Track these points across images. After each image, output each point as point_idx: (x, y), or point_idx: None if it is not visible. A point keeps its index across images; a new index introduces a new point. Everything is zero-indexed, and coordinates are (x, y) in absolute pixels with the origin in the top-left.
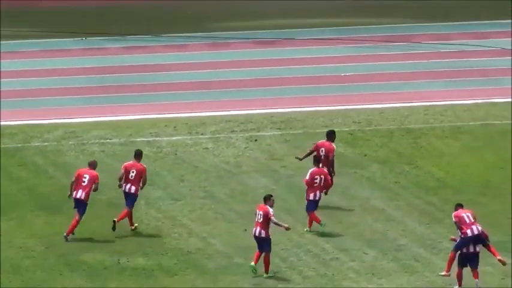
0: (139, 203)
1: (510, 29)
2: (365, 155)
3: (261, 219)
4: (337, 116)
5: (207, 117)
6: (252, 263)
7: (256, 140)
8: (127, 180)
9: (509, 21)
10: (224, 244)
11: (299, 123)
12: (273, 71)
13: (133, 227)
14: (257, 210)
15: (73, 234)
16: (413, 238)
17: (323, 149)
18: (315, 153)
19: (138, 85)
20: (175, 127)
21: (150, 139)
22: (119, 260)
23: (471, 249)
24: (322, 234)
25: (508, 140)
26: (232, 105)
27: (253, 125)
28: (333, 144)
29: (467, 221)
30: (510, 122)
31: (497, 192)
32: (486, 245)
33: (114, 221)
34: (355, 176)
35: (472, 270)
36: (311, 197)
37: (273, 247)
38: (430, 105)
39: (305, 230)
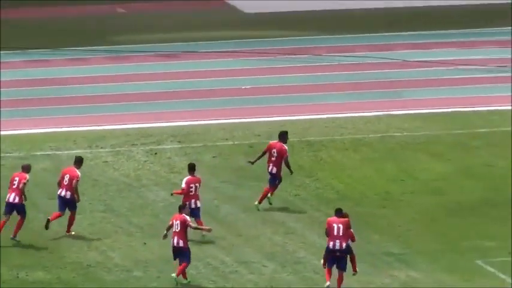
0: (38, 216)
1: (413, 41)
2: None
3: (179, 229)
4: (238, 129)
5: (107, 131)
6: (174, 275)
7: (156, 154)
8: (62, 186)
9: (412, 33)
10: (123, 257)
11: (199, 136)
12: (174, 84)
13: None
14: (173, 221)
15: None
16: (312, 251)
17: (275, 150)
18: (193, 162)
19: (38, 99)
20: (75, 141)
21: (50, 153)
22: (17, 274)
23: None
24: (223, 247)
25: (408, 152)
26: (132, 119)
27: (153, 138)
28: (285, 146)
29: (335, 233)
30: (411, 134)
31: (397, 204)
32: (350, 258)
33: (48, 220)
34: (256, 188)
35: (338, 272)
36: (192, 205)
37: (170, 261)
38: (330, 118)
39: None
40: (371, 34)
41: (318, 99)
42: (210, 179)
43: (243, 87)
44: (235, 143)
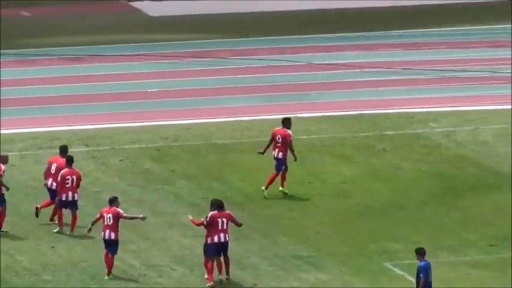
0: None
1: (319, 44)
2: (172, 171)
3: (111, 222)
4: (145, 132)
5: (14, 134)
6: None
7: None
8: (48, 176)
9: (318, 35)
10: (32, 261)
11: (106, 139)
12: (80, 87)
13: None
14: (104, 214)
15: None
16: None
17: (279, 135)
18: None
19: None
20: None
21: None
22: None
23: (222, 239)
24: (131, 251)
25: (315, 155)
26: (39, 122)
27: (60, 141)
28: (289, 131)
29: (220, 227)
30: (318, 136)
31: (304, 207)
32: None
33: (36, 208)
34: (163, 191)
35: (224, 258)
36: (69, 198)
37: (79, 264)
38: (237, 121)
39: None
40: (277, 37)
41: (225, 102)
42: (118, 183)
43: (149, 90)
44: (142, 146)
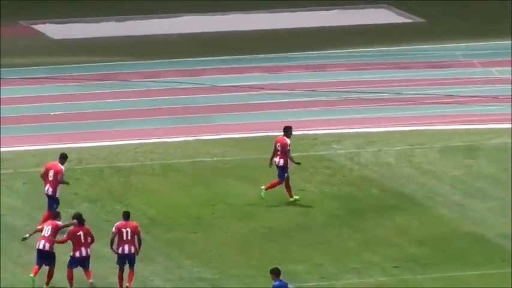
0: None
1: (221, 66)
2: (75, 194)
3: (49, 233)
4: (48, 155)
5: None
6: (31, 275)
7: None
8: (46, 182)
9: (220, 57)
10: None
11: (10, 162)
12: None
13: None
14: (45, 226)
15: None
16: (124, 277)
17: (279, 144)
18: None
19: None
20: None
21: None
22: None
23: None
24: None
25: (218, 177)
26: None
27: None
28: (287, 139)
29: (124, 237)
30: (221, 159)
31: (208, 229)
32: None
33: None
34: (66, 214)
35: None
36: None
37: None
38: (140, 143)
39: None
40: (180, 59)
41: (128, 124)
42: (22, 206)
43: (52, 113)
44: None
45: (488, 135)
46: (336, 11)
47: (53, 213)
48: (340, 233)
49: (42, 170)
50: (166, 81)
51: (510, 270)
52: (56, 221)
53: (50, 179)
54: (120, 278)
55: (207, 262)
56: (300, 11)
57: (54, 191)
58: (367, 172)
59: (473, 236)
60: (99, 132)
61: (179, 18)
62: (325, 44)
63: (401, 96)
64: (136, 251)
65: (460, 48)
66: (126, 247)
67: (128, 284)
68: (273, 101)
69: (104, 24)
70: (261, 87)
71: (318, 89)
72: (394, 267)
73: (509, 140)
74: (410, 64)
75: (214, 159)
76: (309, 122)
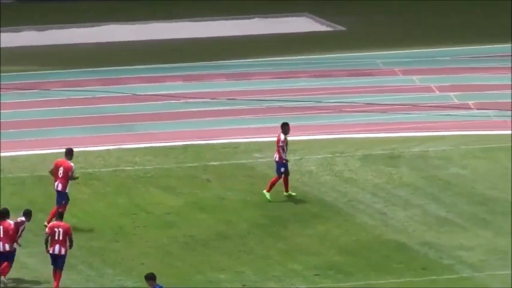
0: None
1: (143, 75)
2: None
3: (61, 237)
4: None
5: None
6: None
7: None
8: (56, 178)
9: (142, 66)
10: None
11: None
12: None
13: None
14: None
15: None
16: (47, 286)
17: (276, 139)
18: None
19: None
20: None
21: None
22: None
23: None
24: None
25: (140, 186)
26: None
27: None
28: (282, 136)
29: (56, 237)
30: (142, 167)
31: (130, 238)
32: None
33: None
34: None
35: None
36: None
37: None
38: (61, 152)
39: None
40: (100, 68)
41: (49, 133)
42: None
43: None
44: None
45: (409, 143)
46: (256, 19)
47: (58, 207)
48: (261, 242)
49: (52, 166)
50: (87, 90)
51: (431, 278)
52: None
53: (60, 175)
54: (54, 277)
55: (129, 271)
56: (221, 19)
57: (64, 187)
58: (289, 181)
59: (394, 243)
60: (20, 142)
61: (100, 27)
62: (247, 53)
63: (322, 104)
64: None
65: (381, 56)
66: (57, 247)
67: (55, 285)
68: (194, 109)
69: (24, 33)
70: (182, 95)
71: (239, 97)
72: (316, 275)
73: (431, 148)
74: (331, 72)
75: (136, 168)
76: (230, 130)
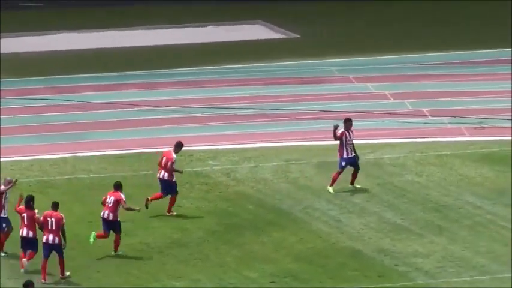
0: None
1: (96, 83)
2: None
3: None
4: None
5: None
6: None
7: None
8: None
9: (95, 74)
10: None
11: None
12: None
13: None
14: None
15: None
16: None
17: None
18: None
19: None
20: None
21: None
22: None
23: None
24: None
25: (95, 194)
26: None
27: None
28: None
29: (49, 226)
30: (97, 175)
31: (86, 245)
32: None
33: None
34: None
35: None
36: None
37: None
38: (16, 160)
39: None
40: (54, 76)
41: (3, 142)
42: None
43: None
44: None
45: (364, 150)
46: (210, 27)
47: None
48: (217, 249)
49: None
50: (41, 98)
51: (387, 285)
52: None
53: (163, 165)
54: (43, 268)
55: (86, 278)
56: (175, 27)
57: (170, 176)
58: (243, 188)
59: (350, 251)
60: None
61: (54, 35)
62: (201, 60)
63: (277, 112)
64: (63, 244)
65: (335, 63)
66: (51, 236)
67: (60, 273)
68: (148, 117)
69: None
70: (137, 103)
71: (194, 105)
72: (272, 282)
73: (386, 156)
74: (285, 80)
75: (91, 176)
76: (185, 138)
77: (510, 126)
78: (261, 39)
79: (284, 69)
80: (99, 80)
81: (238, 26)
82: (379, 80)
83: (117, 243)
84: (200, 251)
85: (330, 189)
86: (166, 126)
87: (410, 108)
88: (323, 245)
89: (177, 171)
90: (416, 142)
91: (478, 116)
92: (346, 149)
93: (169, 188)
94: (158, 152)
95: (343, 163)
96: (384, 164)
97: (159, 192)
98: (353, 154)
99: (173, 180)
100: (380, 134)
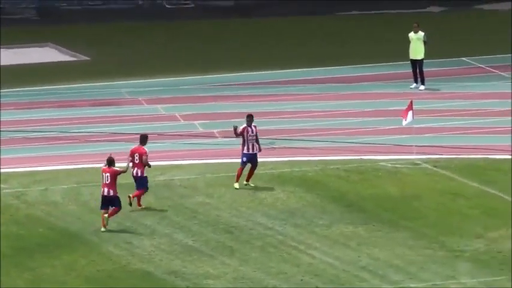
0: None
1: None
2: None
3: (109, 180)
4: None
5: None
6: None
7: None
8: (134, 165)
9: None
10: None
11: None
12: None
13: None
14: (103, 174)
15: None
16: None
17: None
18: None
19: None
20: None
21: None
22: None
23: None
24: None
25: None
26: None
27: None
28: (244, 126)
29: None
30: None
31: None
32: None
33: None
34: None
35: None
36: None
37: None
38: None
39: None
40: None
41: None
42: None
43: None
44: None
45: (155, 172)
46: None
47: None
48: (8, 273)
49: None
50: None
51: None
52: (112, 167)
53: (136, 162)
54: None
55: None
56: None
57: (143, 171)
58: (34, 211)
59: (141, 273)
60: None
61: None
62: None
63: (67, 134)
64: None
65: (126, 85)
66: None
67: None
68: None
69: None
70: None
71: None
72: None
73: (176, 177)
74: (75, 102)
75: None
76: None
77: (301, 146)
78: (50, 62)
79: (74, 91)
80: None
81: (27, 49)
82: (169, 101)
83: (112, 214)
84: None
85: (236, 185)
86: None
87: (200, 129)
88: (114, 267)
89: (148, 165)
90: (206, 163)
91: (269, 137)
92: (247, 145)
93: (146, 183)
94: None
95: (244, 159)
96: (175, 185)
97: (136, 191)
98: (255, 151)
99: (145, 175)
100: (170, 156)
